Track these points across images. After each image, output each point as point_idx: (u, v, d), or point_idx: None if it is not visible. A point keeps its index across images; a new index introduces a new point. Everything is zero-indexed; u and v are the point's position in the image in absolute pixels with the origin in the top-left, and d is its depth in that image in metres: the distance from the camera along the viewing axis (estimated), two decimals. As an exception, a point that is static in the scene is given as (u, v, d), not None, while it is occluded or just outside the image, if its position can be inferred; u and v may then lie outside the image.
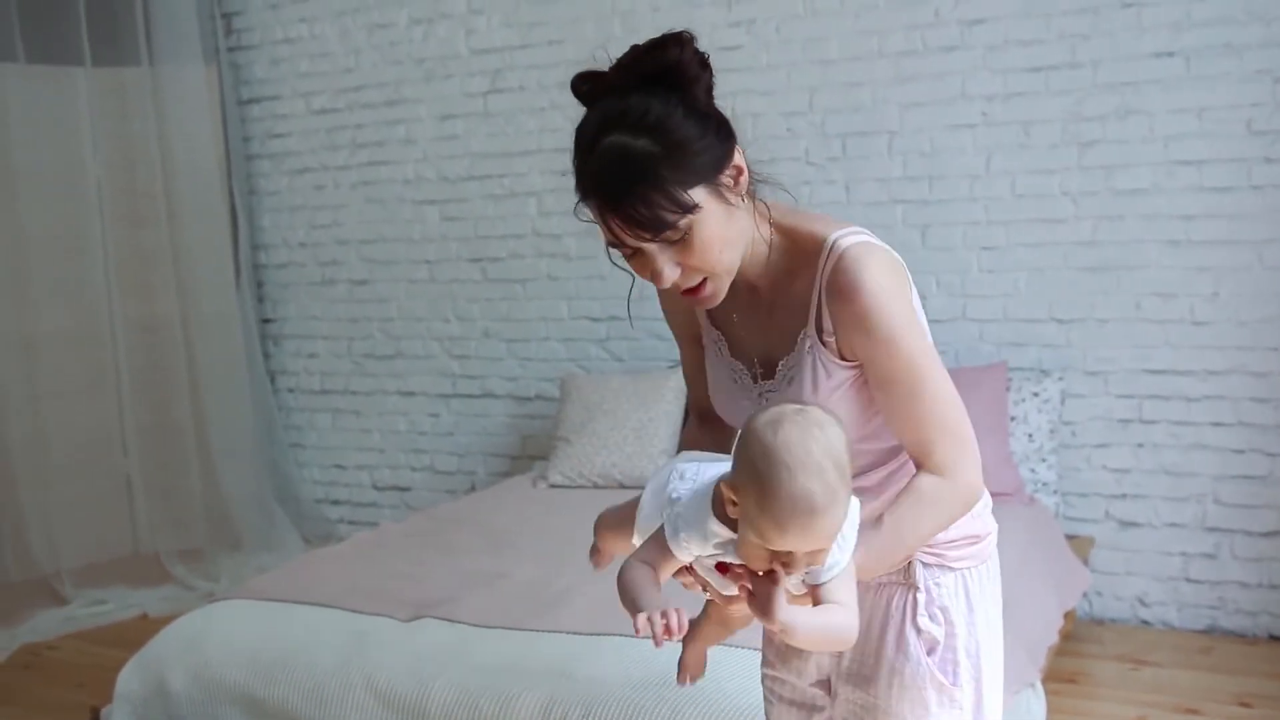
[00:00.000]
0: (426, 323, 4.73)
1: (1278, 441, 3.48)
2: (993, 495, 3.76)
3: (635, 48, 1.32)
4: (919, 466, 1.37)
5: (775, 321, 1.42)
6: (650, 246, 1.30)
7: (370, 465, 4.94)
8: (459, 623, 2.53)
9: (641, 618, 1.23)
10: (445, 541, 3.23)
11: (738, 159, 1.35)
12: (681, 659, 1.53)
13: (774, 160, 3.99)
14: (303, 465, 5.09)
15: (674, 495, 1.31)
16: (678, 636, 1.22)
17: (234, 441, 4.81)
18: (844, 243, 1.35)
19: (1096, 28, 3.54)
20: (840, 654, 1.50)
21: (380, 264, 4.79)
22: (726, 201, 1.32)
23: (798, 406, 1.24)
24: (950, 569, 1.45)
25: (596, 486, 3.81)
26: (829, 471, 1.18)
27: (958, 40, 3.72)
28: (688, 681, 1.54)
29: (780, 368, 1.42)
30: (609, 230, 1.31)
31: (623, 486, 3.76)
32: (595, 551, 1.58)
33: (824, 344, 1.37)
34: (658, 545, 1.33)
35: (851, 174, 3.90)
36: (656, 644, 1.23)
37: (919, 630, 1.44)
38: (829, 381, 1.37)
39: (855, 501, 1.28)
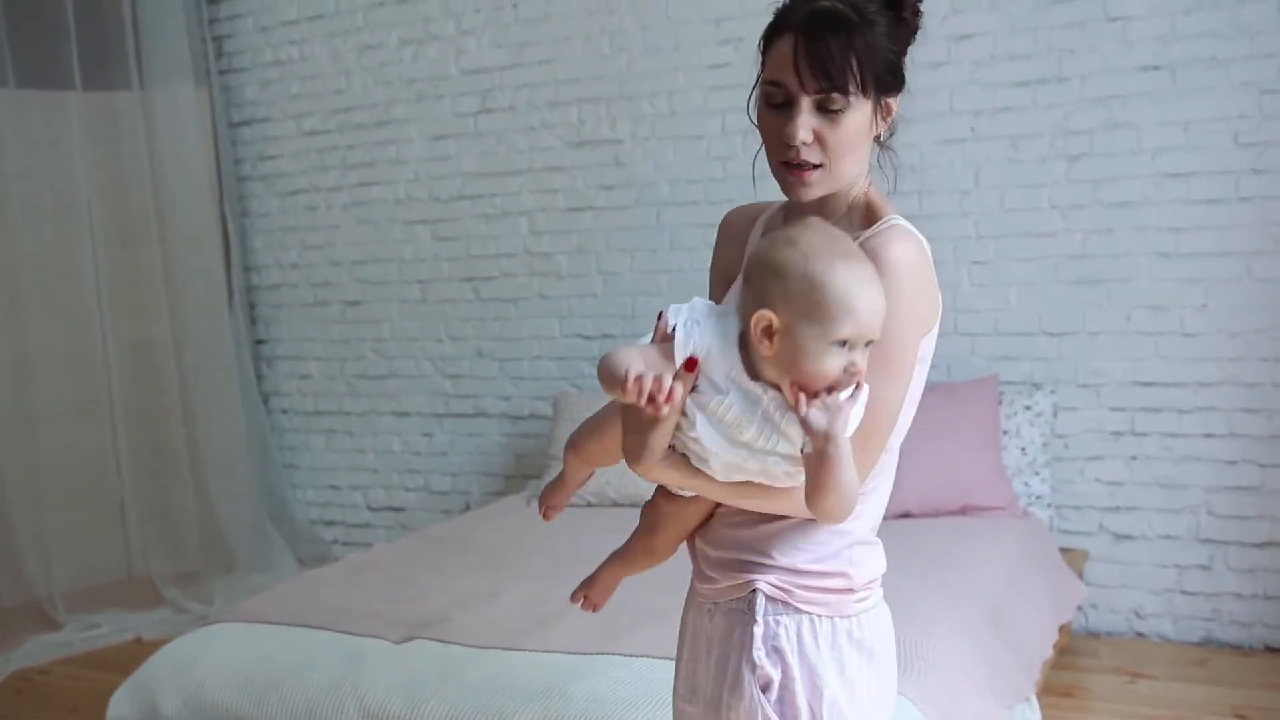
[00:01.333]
0: (419, 343, 4.73)
1: (1270, 452, 3.49)
2: (985, 509, 3.78)
3: None
4: None
5: None
6: (808, 101, 1.35)
7: (364, 486, 4.93)
8: (452, 643, 2.52)
9: (633, 373, 1.21)
10: (438, 562, 3.22)
11: (896, 104, 1.42)
12: (589, 578, 1.54)
13: (764, 177, 4.00)
14: (297, 486, 5.08)
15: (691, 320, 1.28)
16: (666, 408, 1.22)
17: (228, 463, 4.80)
18: (900, 222, 1.40)
19: (1083, 42, 3.57)
20: (694, 675, 1.47)
21: (372, 284, 4.79)
22: (874, 120, 1.39)
23: (799, 223, 1.29)
24: (796, 610, 1.38)
25: (590, 505, 3.81)
26: (857, 251, 1.25)
27: (945, 56, 3.74)
28: (586, 606, 1.56)
29: None
30: (785, 65, 1.35)
31: (616, 505, 3.75)
32: (549, 492, 1.57)
33: None
34: (659, 351, 1.27)
35: (841, 190, 3.90)
36: (645, 403, 1.21)
37: (754, 666, 1.36)
38: None
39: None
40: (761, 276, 1.25)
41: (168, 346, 4.76)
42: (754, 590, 1.39)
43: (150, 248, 4.73)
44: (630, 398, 1.22)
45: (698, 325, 1.27)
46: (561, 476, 1.58)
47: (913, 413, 1.47)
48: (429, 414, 4.75)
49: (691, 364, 1.25)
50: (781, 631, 1.37)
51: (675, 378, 1.24)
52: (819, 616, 1.38)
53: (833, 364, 1.22)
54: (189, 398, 4.77)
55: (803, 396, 1.21)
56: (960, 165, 3.76)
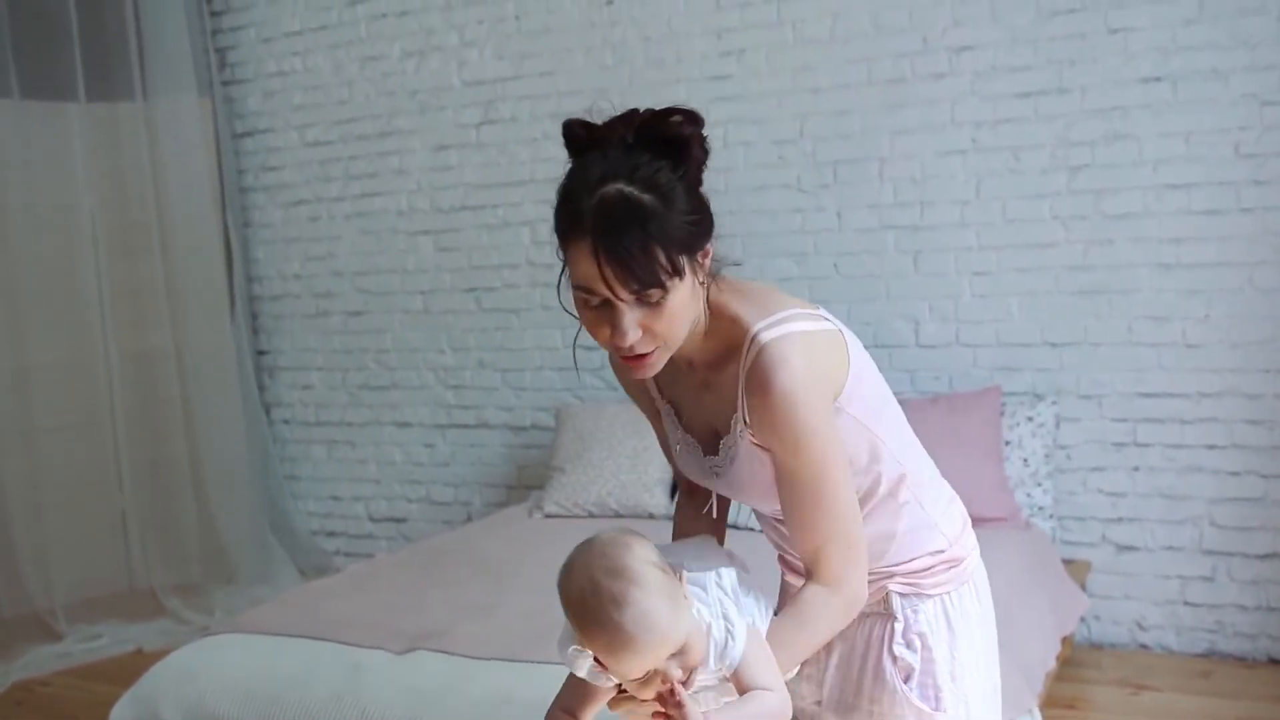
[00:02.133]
0: (421, 353, 4.73)
1: (1273, 463, 3.49)
2: (988, 520, 3.78)
3: (648, 111, 1.32)
4: (808, 574, 1.38)
5: (712, 401, 1.43)
6: (624, 303, 1.28)
7: (366, 496, 4.93)
8: (454, 654, 2.51)
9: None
10: (440, 573, 3.21)
11: (711, 245, 1.35)
12: None
13: (765, 188, 4.02)
14: (298, 497, 5.08)
15: None
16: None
17: (229, 474, 4.80)
18: (764, 337, 1.33)
19: (1084, 54, 3.57)
20: (823, 682, 1.53)
21: (375, 295, 4.80)
22: (695, 277, 1.33)
23: (584, 542, 1.30)
24: (928, 596, 1.47)
25: (592, 516, 3.80)
26: (604, 584, 1.22)
27: (946, 68, 3.75)
28: None
29: (721, 447, 1.43)
30: (591, 274, 1.27)
31: (618, 515, 3.75)
32: None
33: (747, 434, 1.38)
34: (575, 686, 1.35)
35: (843, 201, 3.91)
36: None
37: (895, 658, 1.45)
38: (764, 469, 1.39)
39: (731, 571, 1.35)
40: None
41: (169, 357, 4.76)
42: (887, 594, 1.47)
43: (152, 258, 4.74)
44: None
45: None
46: None
47: (895, 445, 1.48)
48: (431, 424, 4.75)
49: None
50: (922, 618, 1.47)
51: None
52: (950, 593, 1.49)
53: (645, 691, 1.26)
54: (190, 408, 4.78)
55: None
56: (961, 176, 3.76)
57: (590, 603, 1.23)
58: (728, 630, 1.28)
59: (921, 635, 1.46)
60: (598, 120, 1.34)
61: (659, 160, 1.29)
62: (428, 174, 4.62)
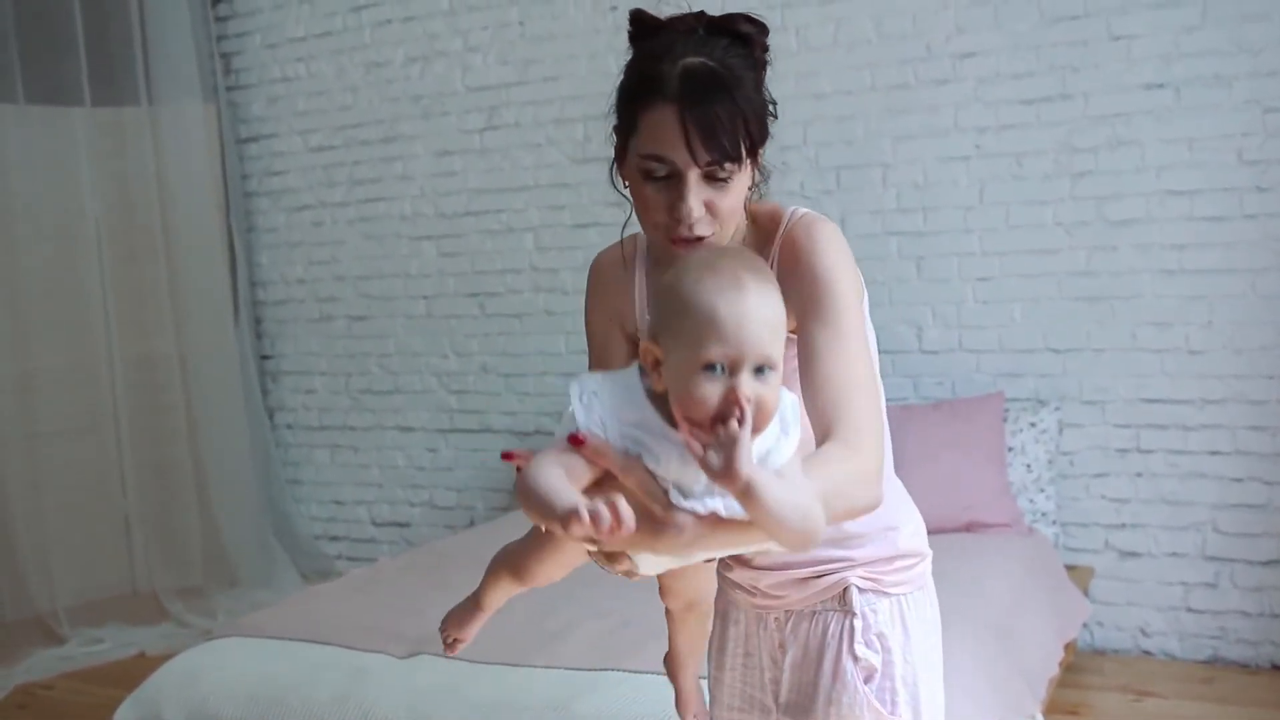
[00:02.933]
0: (424, 358, 4.74)
1: (1276, 469, 3.48)
2: (991, 526, 3.77)
3: (717, 14, 1.32)
4: (825, 436, 1.23)
5: None
6: (695, 174, 1.27)
7: (369, 501, 4.93)
8: (457, 659, 2.51)
9: (584, 508, 0.99)
10: (443, 577, 3.21)
11: (763, 153, 1.37)
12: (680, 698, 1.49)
13: (768, 194, 4.01)
14: (301, 501, 5.08)
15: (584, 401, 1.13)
16: (627, 528, 1.00)
17: (232, 478, 4.80)
18: (801, 210, 1.38)
19: (1086, 60, 3.58)
20: (779, 682, 1.45)
21: (378, 300, 4.80)
22: (751, 173, 1.34)
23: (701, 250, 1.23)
24: (887, 594, 1.42)
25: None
26: (741, 261, 1.13)
27: (949, 74, 3.75)
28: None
29: None
30: (670, 139, 1.25)
31: (621, 520, 3.75)
32: (457, 620, 1.49)
33: None
34: (566, 453, 1.11)
35: (846, 207, 3.92)
36: (605, 535, 1.00)
37: (856, 658, 1.40)
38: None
39: (790, 395, 1.16)
40: (654, 306, 1.19)
41: (173, 361, 4.77)
42: (845, 588, 1.41)
43: (156, 263, 4.75)
44: (581, 536, 1.02)
45: (595, 397, 1.13)
46: (476, 603, 1.52)
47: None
48: (434, 429, 4.75)
49: (576, 439, 1.10)
50: (882, 618, 1.41)
51: (612, 494, 1.03)
52: (907, 595, 1.43)
53: (707, 390, 1.06)
54: (193, 412, 4.78)
55: (696, 436, 1.06)
56: (965, 182, 3.76)
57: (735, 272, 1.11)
58: (779, 426, 1.11)
59: (881, 635, 1.41)
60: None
61: (735, 47, 1.30)
62: (431, 179, 4.63)
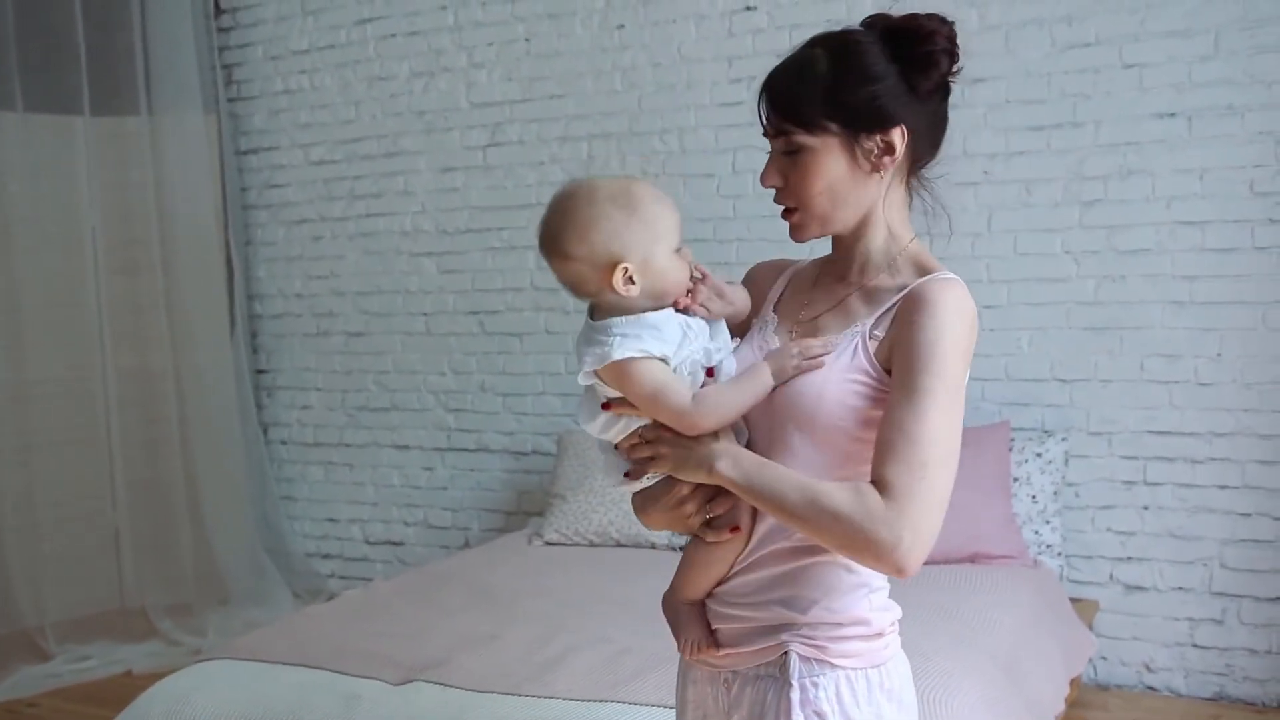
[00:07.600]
0: (422, 375, 4.69)
1: (1284, 505, 3.44)
2: (995, 558, 3.71)
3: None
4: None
5: (840, 308, 1.39)
6: (776, 144, 1.36)
7: (362, 519, 4.87)
8: (452, 686, 2.46)
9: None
10: (438, 600, 3.16)
11: (896, 139, 1.35)
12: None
13: (776, 216, 3.97)
14: (294, 518, 5.02)
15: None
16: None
17: (225, 494, 4.75)
18: (951, 275, 1.36)
19: (1097, 87, 3.55)
20: None
21: (376, 316, 4.75)
22: (856, 160, 1.34)
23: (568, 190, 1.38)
24: (832, 666, 1.30)
25: (592, 545, 3.75)
26: (603, 184, 1.34)
27: (959, 99, 3.69)
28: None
29: (818, 331, 1.39)
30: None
31: (619, 545, 3.70)
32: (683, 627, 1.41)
33: (871, 337, 1.32)
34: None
35: (852, 231, 3.87)
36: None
37: None
38: (851, 363, 1.31)
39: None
40: (587, 244, 1.30)
41: (168, 375, 4.71)
42: (785, 653, 1.31)
43: (153, 275, 4.70)
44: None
45: (634, 338, 1.31)
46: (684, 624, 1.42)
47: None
48: (430, 448, 4.69)
49: (709, 371, 1.32)
50: (821, 694, 1.29)
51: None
52: (854, 670, 1.31)
53: (680, 267, 1.33)
54: (187, 427, 4.73)
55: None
56: (973, 209, 3.73)
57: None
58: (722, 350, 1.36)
59: (820, 715, 1.28)
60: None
61: (869, 33, 1.34)
62: (433, 195, 4.59)
